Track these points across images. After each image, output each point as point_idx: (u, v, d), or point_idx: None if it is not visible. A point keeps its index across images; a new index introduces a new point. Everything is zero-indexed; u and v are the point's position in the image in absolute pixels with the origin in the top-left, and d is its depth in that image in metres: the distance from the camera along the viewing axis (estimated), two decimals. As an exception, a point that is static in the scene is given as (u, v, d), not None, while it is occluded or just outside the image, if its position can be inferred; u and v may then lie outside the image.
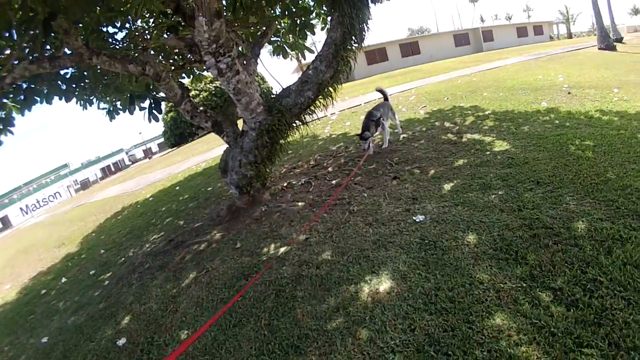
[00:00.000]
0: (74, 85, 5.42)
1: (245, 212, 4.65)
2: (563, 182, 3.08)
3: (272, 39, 5.83)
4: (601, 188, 2.85)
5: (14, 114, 5.22)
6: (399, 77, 17.43)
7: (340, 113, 10.32)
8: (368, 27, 3.82)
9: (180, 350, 2.25)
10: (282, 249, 3.36)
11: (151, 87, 5.68)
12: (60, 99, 5.36)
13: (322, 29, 6.42)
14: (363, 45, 3.92)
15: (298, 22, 5.26)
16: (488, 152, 4.16)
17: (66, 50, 4.43)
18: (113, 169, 40.75)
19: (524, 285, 2.06)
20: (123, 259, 5.28)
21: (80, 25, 4.44)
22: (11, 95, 5.00)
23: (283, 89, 4.28)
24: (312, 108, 4.25)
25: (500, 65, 13.71)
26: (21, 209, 36.65)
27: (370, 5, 3.80)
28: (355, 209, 3.65)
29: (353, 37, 3.76)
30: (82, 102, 5.93)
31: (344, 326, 2.17)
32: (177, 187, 9.07)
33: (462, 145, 4.64)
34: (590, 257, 2.13)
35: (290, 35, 5.84)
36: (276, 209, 4.38)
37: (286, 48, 6.07)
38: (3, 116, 5.25)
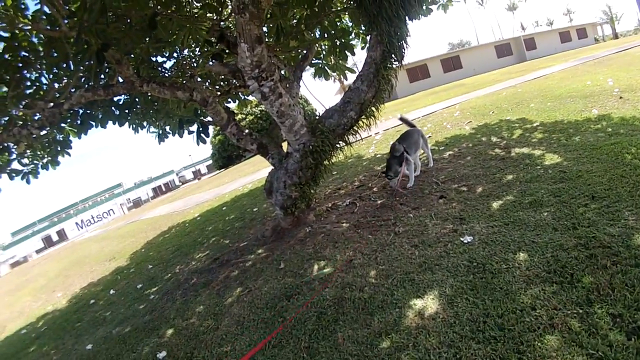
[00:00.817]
0: (126, 111, 5.84)
1: (289, 233, 4.69)
2: (620, 196, 2.81)
3: (313, 61, 5.96)
4: (662, 200, 2.58)
5: (71, 137, 5.73)
6: (442, 93, 17.12)
7: (384, 132, 10.27)
8: (407, 44, 3.80)
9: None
10: (326, 271, 3.34)
11: (199, 111, 5.96)
12: (114, 123, 5.77)
13: (363, 48, 6.47)
14: (403, 62, 3.90)
15: (338, 43, 5.36)
16: (538, 167, 3.92)
17: (119, 78, 4.77)
18: (164, 189, 43.33)
19: (580, 311, 1.88)
20: (169, 274, 5.50)
21: (132, 55, 4.79)
22: (69, 120, 5.47)
23: (326, 110, 4.33)
24: (356, 128, 4.24)
25: (546, 74, 13.07)
26: (77, 223, 40.63)
27: (408, 21, 3.78)
28: (400, 230, 3.55)
29: (393, 55, 3.74)
30: (134, 126, 6.35)
31: (385, 352, 2.09)
32: (224, 208, 9.35)
33: (510, 161, 4.42)
34: (653, 279, 1.91)
35: (331, 57, 5.94)
36: (321, 230, 4.37)
37: (327, 70, 6.17)
38: (61, 139, 5.82)
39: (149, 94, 5.05)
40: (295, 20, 5.12)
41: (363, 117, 4.04)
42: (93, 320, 5.05)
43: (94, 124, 5.55)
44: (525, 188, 3.50)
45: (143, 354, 3.30)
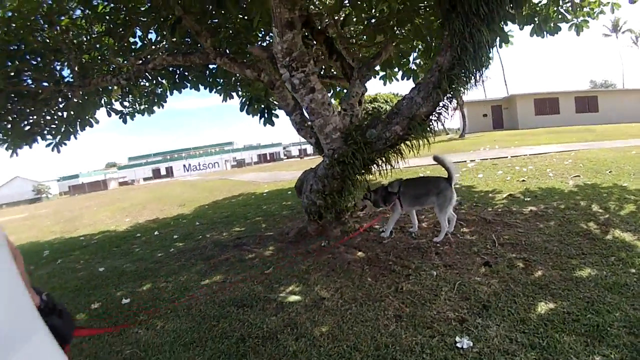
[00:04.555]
0: (218, 79, 6.19)
1: (309, 240, 4.31)
2: None
3: (402, 62, 5.30)
4: None
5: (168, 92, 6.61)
6: (564, 135, 14.50)
7: (480, 162, 9.02)
8: (489, 56, 2.86)
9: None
10: (292, 298, 2.84)
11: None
12: (205, 88, 6.19)
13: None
14: (478, 77, 2.95)
15: (433, 45, 4.62)
16: (633, 270, 2.67)
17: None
18: (268, 158, 46.45)
19: None
20: (200, 237, 5.68)
21: (226, 27, 5.00)
22: (166, 77, 6.14)
23: (372, 118, 3.67)
24: (401, 147, 3.46)
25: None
26: (184, 165, 46.79)
27: (505, 27, 2.87)
28: (404, 288, 2.75)
29: (466, 64, 2.86)
30: (223, 94, 6.56)
31: None
32: (289, 192, 9.27)
33: (601, 245, 3.18)
34: None
35: (423, 59, 5.23)
36: (332, 250, 3.81)
37: (417, 71, 5.46)
38: (159, 92, 6.62)
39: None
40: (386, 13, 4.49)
41: (412, 135, 3.22)
42: (125, 250, 5.61)
43: (188, 85, 6.12)
44: (597, 297, 2.33)
45: (118, 293, 3.58)
